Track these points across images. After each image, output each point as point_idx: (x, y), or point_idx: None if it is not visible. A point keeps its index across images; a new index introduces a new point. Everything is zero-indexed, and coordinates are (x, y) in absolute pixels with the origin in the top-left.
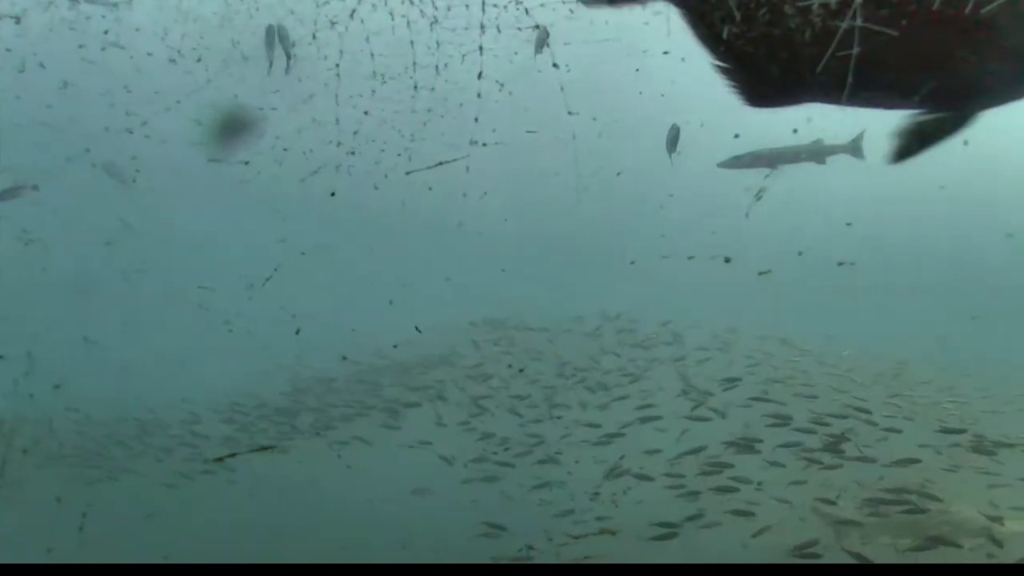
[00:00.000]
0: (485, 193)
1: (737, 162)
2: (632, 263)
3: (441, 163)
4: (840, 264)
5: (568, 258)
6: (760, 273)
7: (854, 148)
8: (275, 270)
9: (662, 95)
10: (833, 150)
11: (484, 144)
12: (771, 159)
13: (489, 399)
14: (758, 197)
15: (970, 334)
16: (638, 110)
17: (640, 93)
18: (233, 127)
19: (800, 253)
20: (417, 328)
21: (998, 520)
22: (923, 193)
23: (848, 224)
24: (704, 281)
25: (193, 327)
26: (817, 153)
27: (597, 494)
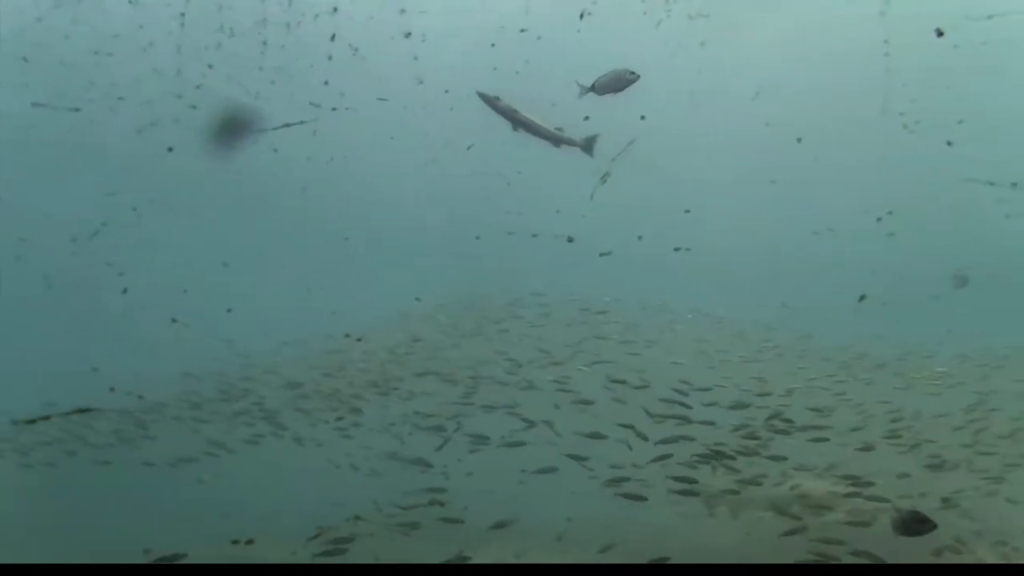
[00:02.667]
0: (332, 159)
1: (494, 102)
2: (477, 238)
3: (288, 125)
4: (677, 249)
5: (412, 230)
6: (601, 254)
7: (587, 145)
8: (103, 224)
9: (516, 72)
10: (570, 141)
11: (333, 108)
12: (518, 122)
13: (317, 369)
14: (603, 180)
15: (780, 319)
16: (491, 85)
17: (495, 69)
18: (231, 127)
19: (640, 237)
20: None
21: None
22: (756, 186)
23: (687, 211)
24: (545, 259)
25: (9, 280)
26: (555, 138)
27: (429, 465)
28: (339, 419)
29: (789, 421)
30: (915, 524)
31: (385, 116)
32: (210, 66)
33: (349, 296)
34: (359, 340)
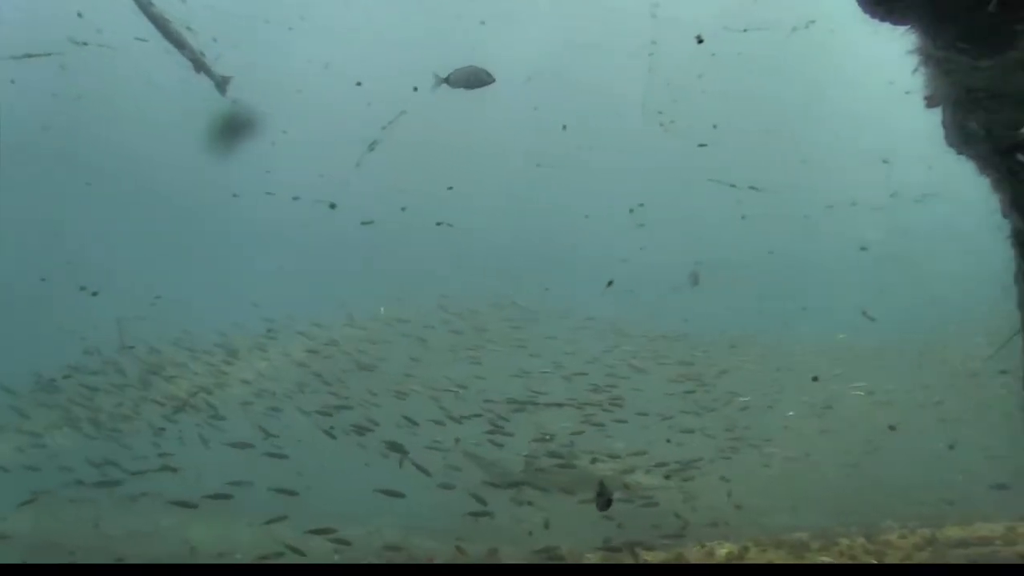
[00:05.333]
0: (79, 97)
1: (147, 7)
2: (235, 196)
3: (31, 55)
4: (439, 224)
5: (164, 181)
6: (363, 223)
7: (221, 83)
8: None
9: (290, 28)
10: (208, 71)
11: (85, 43)
12: (167, 33)
13: (47, 327)
14: (371, 148)
15: (539, 300)
16: (277, 40)
17: (290, 29)
18: (232, 127)
19: (404, 209)
20: None
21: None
22: (522, 168)
23: (450, 188)
24: (303, 224)
25: None
26: (196, 61)
27: (163, 429)
28: (66, 377)
29: (534, 399)
30: (604, 500)
31: (144, 59)
32: None
33: (87, 246)
34: (95, 294)
